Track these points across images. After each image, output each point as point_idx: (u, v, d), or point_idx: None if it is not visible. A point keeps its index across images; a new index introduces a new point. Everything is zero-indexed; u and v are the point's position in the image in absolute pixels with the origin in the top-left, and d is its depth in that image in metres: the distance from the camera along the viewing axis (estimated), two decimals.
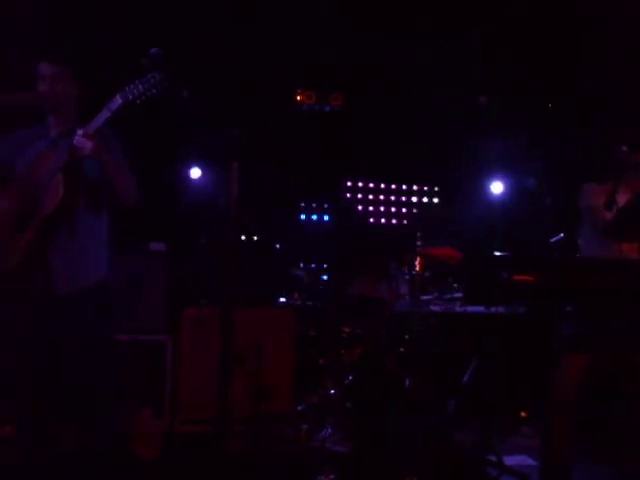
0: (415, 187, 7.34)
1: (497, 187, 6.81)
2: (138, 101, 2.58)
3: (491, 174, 6.76)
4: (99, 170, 2.79)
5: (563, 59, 5.41)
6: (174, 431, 4.11)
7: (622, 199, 2.99)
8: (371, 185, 7.27)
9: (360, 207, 7.20)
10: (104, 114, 2.66)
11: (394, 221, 7.28)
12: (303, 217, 7.01)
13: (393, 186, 7.31)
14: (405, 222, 7.23)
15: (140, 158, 3.14)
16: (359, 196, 7.21)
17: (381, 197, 7.27)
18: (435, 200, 7.35)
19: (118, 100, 2.61)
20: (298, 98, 6.46)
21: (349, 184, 7.18)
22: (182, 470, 3.55)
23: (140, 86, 2.56)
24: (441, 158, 6.55)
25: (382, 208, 7.27)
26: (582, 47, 5.21)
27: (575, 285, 2.94)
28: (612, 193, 2.95)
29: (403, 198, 7.33)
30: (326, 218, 7.04)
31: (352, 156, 6.67)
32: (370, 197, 7.26)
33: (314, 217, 6.98)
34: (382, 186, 7.30)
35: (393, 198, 7.29)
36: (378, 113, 6.47)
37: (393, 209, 7.30)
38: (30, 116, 2.96)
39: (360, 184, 7.23)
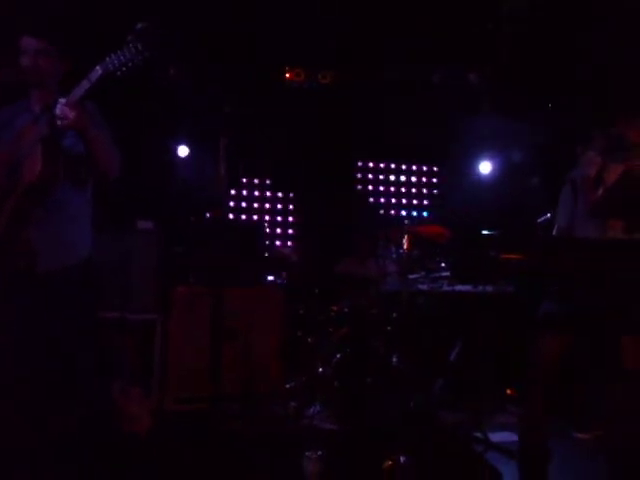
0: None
1: (486, 166, 6.83)
2: (119, 72, 2.54)
3: (480, 153, 6.77)
4: (81, 144, 2.76)
5: (556, 33, 5.39)
6: (164, 409, 4.13)
7: (612, 178, 2.98)
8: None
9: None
10: (84, 85, 2.61)
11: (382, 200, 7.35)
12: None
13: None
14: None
15: (128, 136, 3.12)
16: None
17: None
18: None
19: (98, 71, 2.57)
20: (287, 76, 6.41)
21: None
22: (171, 448, 3.57)
23: (121, 57, 2.52)
24: (430, 137, 6.54)
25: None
26: (575, 20, 5.18)
27: (561, 264, 2.95)
28: (599, 172, 2.95)
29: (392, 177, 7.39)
30: None
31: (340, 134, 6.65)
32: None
33: None
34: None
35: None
36: (366, 90, 6.44)
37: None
38: (12, 91, 2.92)
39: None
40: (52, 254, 2.79)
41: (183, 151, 6.17)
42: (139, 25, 2.54)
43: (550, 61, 5.55)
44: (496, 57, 5.84)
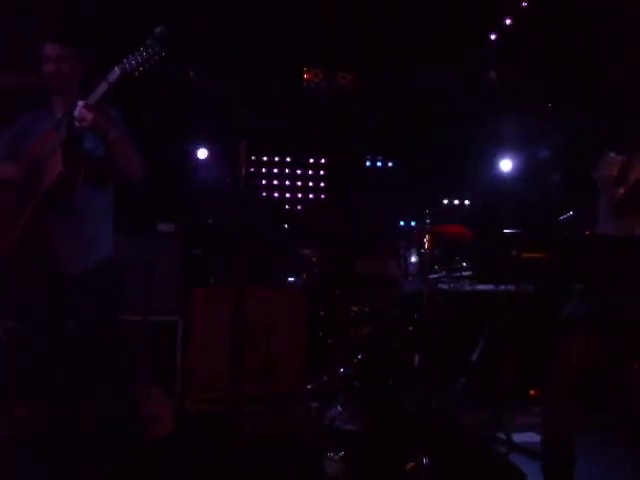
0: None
1: (506, 165, 6.76)
2: (136, 73, 2.57)
3: (500, 151, 6.70)
4: (102, 147, 2.79)
5: (576, 26, 5.33)
6: (186, 410, 4.15)
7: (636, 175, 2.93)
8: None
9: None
10: (103, 86, 2.64)
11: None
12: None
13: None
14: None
15: (147, 139, 3.14)
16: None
17: None
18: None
19: (116, 72, 2.60)
20: (305, 77, 6.41)
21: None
22: (193, 449, 3.59)
23: (138, 58, 2.55)
24: (447, 135, 6.50)
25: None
26: (594, 15, 5.12)
27: (584, 263, 2.92)
28: (623, 168, 2.90)
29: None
30: None
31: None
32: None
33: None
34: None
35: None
36: (385, 90, 6.42)
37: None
38: (33, 97, 2.96)
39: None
40: (73, 258, 2.82)
41: (202, 154, 6.20)
42: (158, 29, 2.57)
43: (570, 58, 5.49)
44: (515, 55, 5.80)
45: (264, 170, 7.05)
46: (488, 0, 5.59)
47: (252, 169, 6.94)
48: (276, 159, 7.00)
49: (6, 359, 3.18)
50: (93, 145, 2.81)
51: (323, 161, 7.08)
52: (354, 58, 6.25)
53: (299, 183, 7.11)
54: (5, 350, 3.31)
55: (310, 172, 7.14)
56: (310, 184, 7.10)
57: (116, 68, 2.60)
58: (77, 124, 2.65)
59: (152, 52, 2.53)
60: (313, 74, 6.42)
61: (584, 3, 5.13)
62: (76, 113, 2.63)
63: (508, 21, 5.75)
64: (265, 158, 7.00)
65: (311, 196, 7.13)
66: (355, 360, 4.06)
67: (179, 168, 5.95)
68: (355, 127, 6.50)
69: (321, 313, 4.59)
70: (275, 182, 7.06)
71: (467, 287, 5.04)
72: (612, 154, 3.08)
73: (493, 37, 6.00)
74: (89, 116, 2.62)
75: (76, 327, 2.82)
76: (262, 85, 5.81)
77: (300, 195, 7.13)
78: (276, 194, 7.03)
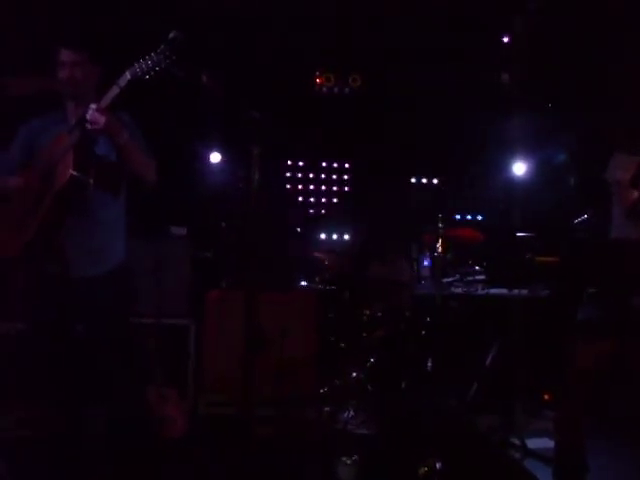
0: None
1: (520, 168, 6.72)
2: (147, 77, 2.59)
3: (514, 154, 6.66)
4: (114, 153, 2.81)
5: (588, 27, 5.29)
6: (198, 413, 4.16)
7: None
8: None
9: None
10: (114, 90, 2.67)
11: None
12: None
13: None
14: None
15: (160, 142, 3.16)
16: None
17: None
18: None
19: (127, 76, 2.63)
20: (317, 81, 6.42)
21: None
22: (206, 451, 3.60)
23: (149, 61, 2.58)
24: (462, 139, 6.47)
25: None
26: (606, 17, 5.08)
27: (598, 267, 2.90)
28: (638, 169, 2.87)
29: None
30: None
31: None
32: None
33: None
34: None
35: None
36: (395, 93, 6.41)
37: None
38: (46, 103, 2.98)
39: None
40: (85, 261, 2.84)
41: (215, 158, 6.22)
42: (171, 34, 2.59)
43: (581, 62, 5.45)
44: (527, 57, 5.76)
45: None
46: (499, 1, 5.56)
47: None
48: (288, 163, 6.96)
49: (7, 359, 3.20)
50: (105, 150, 2.84)
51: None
52: (365, 60, 6.25)
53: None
54: (7, 350, 3.33)
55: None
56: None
57: (127, 72, 2.63)
58: (89, 127, 2.67)
59: (162, 56, 2.56)
60: (325, 78, 6.43)
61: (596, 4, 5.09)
62: (88, 116, 2.66)
63: (518, 22, 5.72)
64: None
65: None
66: (368, 364, 4.05)
67: (192, 171, 5.97)
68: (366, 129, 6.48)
69: (333, 316, 4.58)
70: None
71: (480, 291, 5.02)
72: (623, 155, 3.04)
73: (505, 39, 5.97)
74: (102, 119, 2.65)
75: (85, 330, 2.84)
76: (274, 89, 5.83)
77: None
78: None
